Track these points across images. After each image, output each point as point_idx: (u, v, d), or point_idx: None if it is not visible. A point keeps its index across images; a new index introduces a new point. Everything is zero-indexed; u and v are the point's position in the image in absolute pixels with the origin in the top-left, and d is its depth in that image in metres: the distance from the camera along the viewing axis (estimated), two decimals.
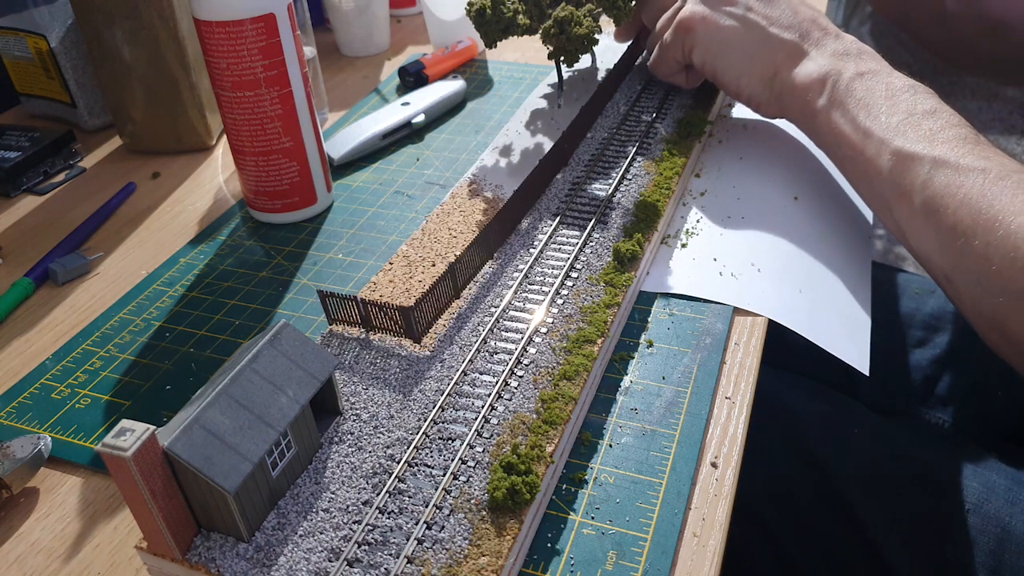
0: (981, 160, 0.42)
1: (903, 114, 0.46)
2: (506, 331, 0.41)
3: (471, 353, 0.39)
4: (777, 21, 0.54)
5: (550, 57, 0.63)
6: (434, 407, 0.37)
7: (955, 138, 0.44)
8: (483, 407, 0.36)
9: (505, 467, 0.33)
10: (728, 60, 0.55)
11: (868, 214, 0.58)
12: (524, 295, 0.44)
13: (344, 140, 0.66)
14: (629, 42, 0.69)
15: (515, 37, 0.63)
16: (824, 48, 0.52)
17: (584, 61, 0.73)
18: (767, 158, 0.60)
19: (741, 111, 0.67)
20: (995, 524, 0.53)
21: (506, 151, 0.62)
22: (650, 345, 0.44)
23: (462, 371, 0.38)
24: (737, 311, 0.47)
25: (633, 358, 0.44)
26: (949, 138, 0.44)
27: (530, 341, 0.40)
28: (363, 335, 0.41)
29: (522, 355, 0.39)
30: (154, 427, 0.28)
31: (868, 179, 0.47)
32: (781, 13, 0.54)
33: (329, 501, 0.33)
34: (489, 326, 0.41)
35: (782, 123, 0.63)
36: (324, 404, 0.36)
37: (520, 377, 0.38)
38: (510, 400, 0.37)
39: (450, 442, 0.35)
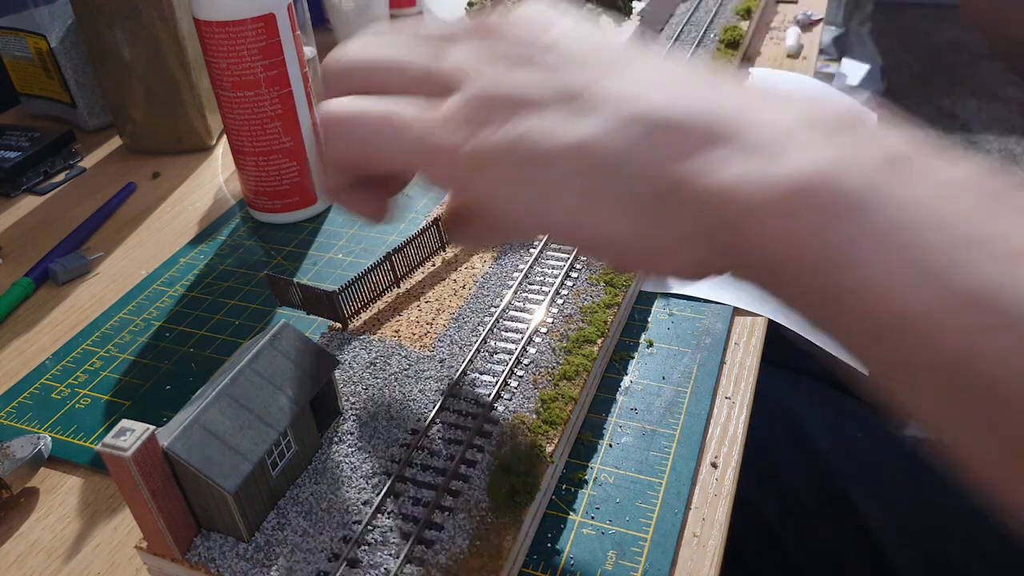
0: None
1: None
2: (506, 331, 0.41)
3: (471, 353, 0.39)
4: (646, 85, 0.25)
5: None
6: (434, 407, 0.37)
7: None
8: (483, 407, 0.36)
9: (505, 467, 0.33)
10: (540, 188, 0.25)
11: None
12: (524, 295, 0.44)
13: None
14: None
15: None
16: (764, 111, 0.23)
17: None
18: None
19: None
20: (999, 526, 0.53)
21: None
22: (650, 345, 0.44)
23: (462, 371, 0.38)
24: (737, 311, 0.47)
25: (633, 358, 0.44)
26: None
27: (530, 341, 0.40)
28: (364, 335, 0.41)
29: (522, 355, 0.39)
30: (154, 427, 0.28)
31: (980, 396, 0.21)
32: (655, 68, 0.26)
33: (329, 501, 0.32)
34: (489, 326, 0.41)
35: None
36: (324, 404, 0.36)
37: (520, 377, 0.38)
38: (510, 400, 0.37)
39: (450, 442, 0.35)
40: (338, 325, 0.42)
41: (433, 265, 0.47)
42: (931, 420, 0.22)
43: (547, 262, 0.46)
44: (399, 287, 0.45)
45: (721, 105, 0.23)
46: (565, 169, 0.24)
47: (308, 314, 0.43)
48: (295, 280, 0.42)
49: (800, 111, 0.23)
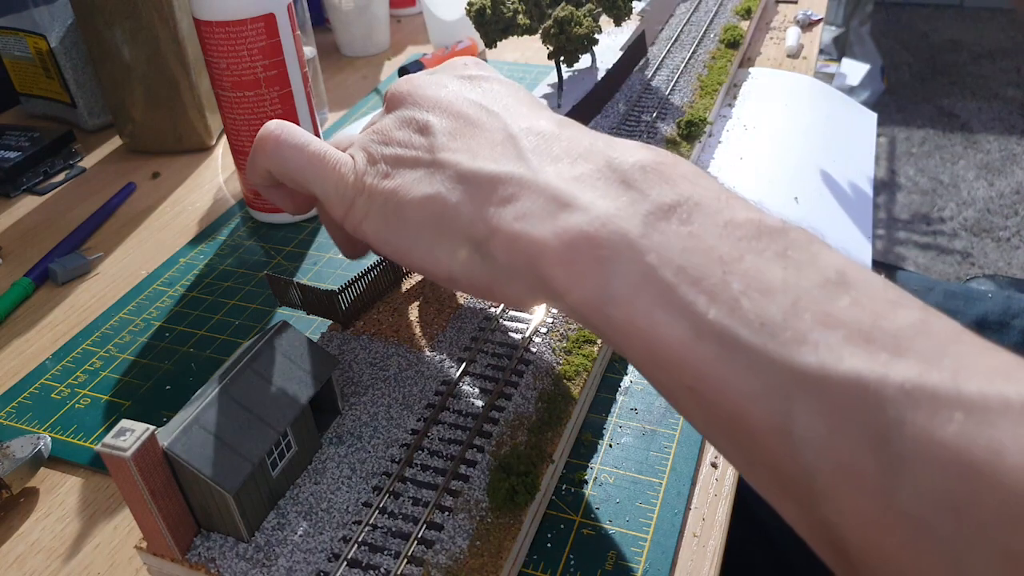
0: (996, 381, 0.20)
1: (795, 290, 0.22)
2: (506, 331, 0.41)
3: (471, 353, 0.39)
4: (478, 149, 0.30)
5: (550, 57, 0.63)
6: (434, 407, 0.37)
7: (916, 327, 0.21)
8: (483, 407, 0.36)
9: (505, 467, 0.33)
10: (405, 232, 0.31)
11: (868, 214, 0.58)
12: None
13: None
14: (624, 46, 0.69)
15: (515, 37, 0.63)
16: (563, 169, 0.28)
17: (584, 61, 0.73)
18: (767, 158, 0.60)
19: (741, 111, 0.67)
20: None
21: None
22: None
23: (462, 371, 0.38)
24: None
25: None
26: (910, 329, 0.21)
27: (530, 341, 0.40)
28: (364, 335, 0.41)
29: (522, 355, 0.39)
30: (154, 427, 0.28)
31: (745, 438, 0.23)
32: (484, 136, 0.30)
33: (329, 501, 0.33)
34: (489, 326, 0.41)
35: (782, 123, 0.63)
36: (324, 404, 0.36)
37: (520, 377, 0.38)
38: (510, 400, 0.37)
39: (450, 442, 0.35)
40: (338, 325, 0.42)
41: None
42: (705, 437, 0.25)
43: None
44: (399, 287, 0.45)
45: (532, 163, 0.28)
46: (420, 217, 0.30)
47: (308, 314, 0.43)
48: (295, 280, 0.42)
49: (600, 162, 0.27)
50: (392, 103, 0.35)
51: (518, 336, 0.41)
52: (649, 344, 0.24)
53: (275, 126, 0.34)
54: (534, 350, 0.40)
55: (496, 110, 0.31)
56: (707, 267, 0.23)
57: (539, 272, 0.26)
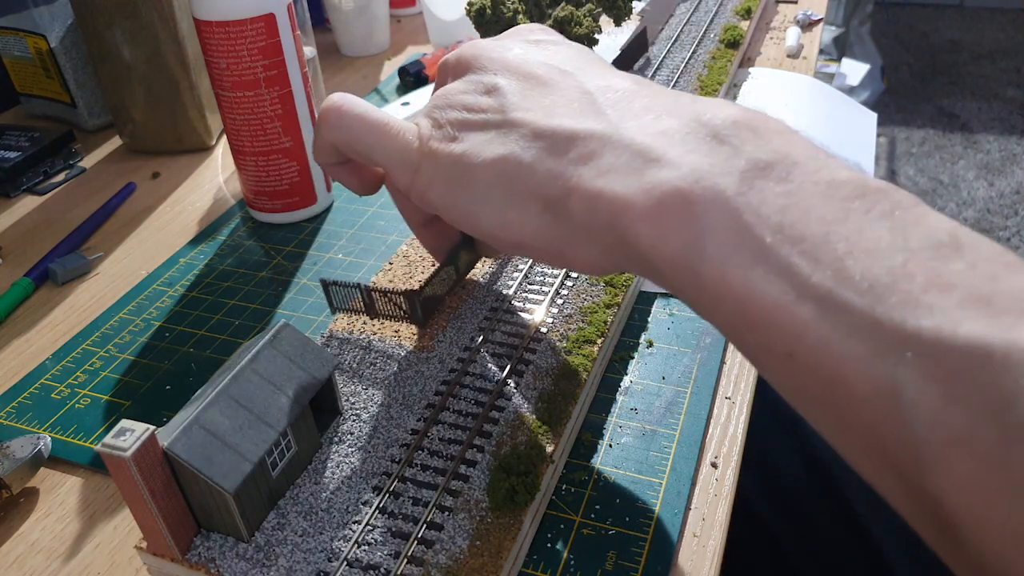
0: None
1: (904, 252, 0.21)
2: (506, 331, 0.41)
3: (471, 353, 0.39)
4: (552, 107, 0.29)
5: None
6: (434, 407, 0.37)
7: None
8: (483, 407, 0.36)
9: (505, 467, 0.33)
10: (474, 193, 0.30)
11: None
12: (524, 295, 0.44)
13: None
14: (626, 42, 0.69)
15: None
16: (647, 123, 0.27)
17: None
18: None
19: None
20: None
21: None
22: (650, 345, 0.44)
23: (462, 371, 0.38)
24: None
25: (633, 358, 0.44)
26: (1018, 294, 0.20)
27: (530, 341, 0.40)
28: (364, 335, 0.41)
29: (522, 355, 0.39)
30: (154, 427, 0.28)
31: (850, 411, 0.22)
32: (558, 95, 0.29)
33: (329, 501, 0.32)
34: (489, 326, 0.41)
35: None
36: (324, 404, 0.36)
37: (520, 377, 0.38)
38: (510, 400, 0.37)
39: (450, 443, 0.35)
40: (414, 330, 0.41)
41: (433, 265, 0.47)
42: (794, 404, 0.24)
43: None
44: (460, 284, 0.44)
45: (612, 118, 0.27)
46: (489, 179, 0.29)
47: (371, 319, 0.41)
48: (359, 283, 0.40)
49: (687, 117, 0.26)
50: (457, 69, 0.33)
51: (518, 336, 0.41)
52: (742, 305, 0.23)
53: (338, 97, 0.34)
54: (534, 350, 0.40)
55: (569, 69, 0.30)
56: (808, 227, 0.22)
57: (621, 231, 0.25)
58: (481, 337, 0.40)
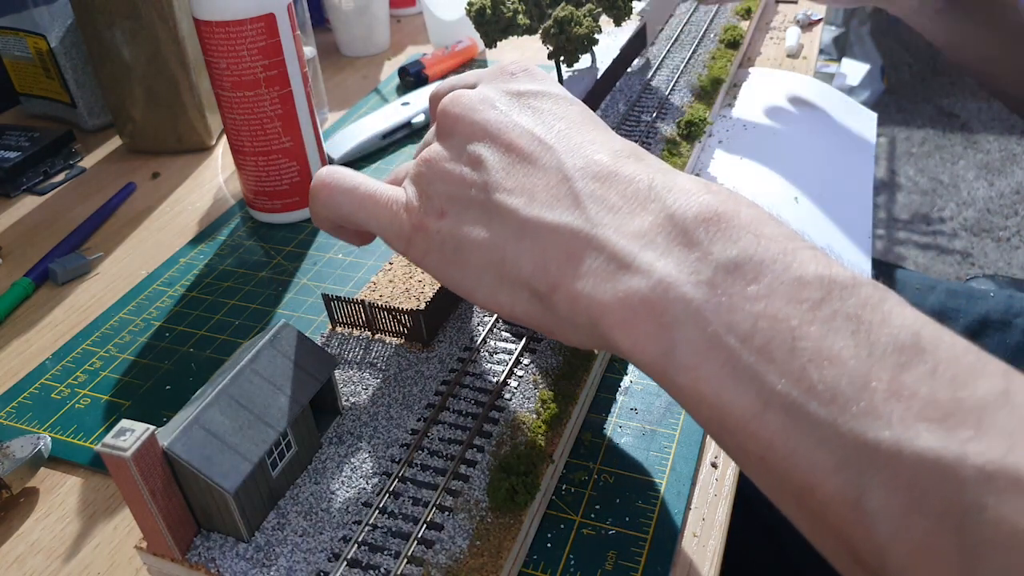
0: None
1: (867, 361, 0.22)
2: (506, 331, 0.41)
3: (471, 353, 0.39)
4: (534, 192, 0.29)
5: (550, 57, 0.63)
6: (434, 407, 0.37)
7: (998, 399, 0.20)
8: (483, 407, 0.36)
9: (505, 467, 0.33)
10: (467, 272, 0.31)
11: (868, 214, 0.58)
12: None
13: (344, 140, 0.66)
14: (627, 40, 0.69)
15: (515, 37, 0.63)
16: (622, 222, 0.27)
17: (584, 61, 0.73)
18: (767, 158, 0.60)
19: (741, 111, 0.67)
20: None
21: None
22: None
23: (462, 371, 0.38)
24: None
25: None
26: (991, 400, 0.20)
27: (530, 341, 0.40)
28: (364, 335, 0.41)
29: (522, 355, 0.39)
30: (154, 427, 0.28)
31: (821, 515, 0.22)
32: (539, 177, 0.29)
33: (329, 501, 0.32)
34: (489, 326, 0.41)
35: (783, 125, 0.63)
36: (324, 404, 0.36)
37: (520, 377, 0.38)
38: (510, 400, 0.37)
39: (450, 442, 0.35)
40: (419, 345, 0.40)
41: None
42: (772, 500, 0.25)
43: None
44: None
45: (590, 213, 0.28)
46: (480, 263, 0.30)
47: (373, 336, 0.41)
48: (349, 296, 0.40)
49: (659, 213, 0.27)
50: (442, 126, 0.33)
51: (518, 336, 0.41)
52: (718, 412, 0.23)
53: (325, 173, 0.34)
54: (534, 350, 0.40)
55: (550, 142, 0.30)
56: (774, 333, 0.22)
57: (603, 333, 0.26)
58: (481, 337, 0.40)
